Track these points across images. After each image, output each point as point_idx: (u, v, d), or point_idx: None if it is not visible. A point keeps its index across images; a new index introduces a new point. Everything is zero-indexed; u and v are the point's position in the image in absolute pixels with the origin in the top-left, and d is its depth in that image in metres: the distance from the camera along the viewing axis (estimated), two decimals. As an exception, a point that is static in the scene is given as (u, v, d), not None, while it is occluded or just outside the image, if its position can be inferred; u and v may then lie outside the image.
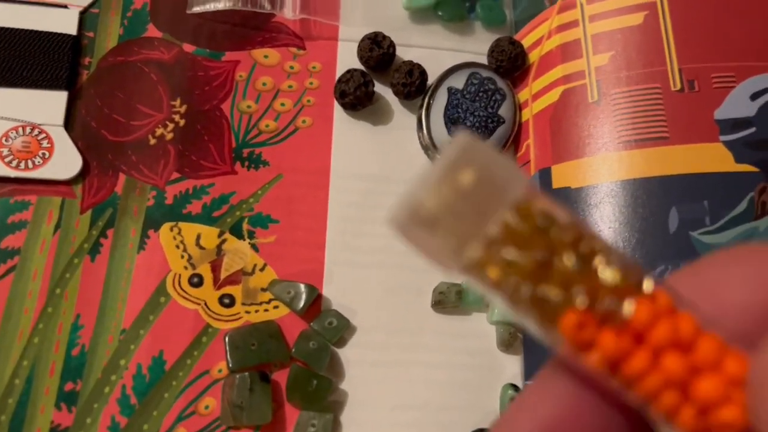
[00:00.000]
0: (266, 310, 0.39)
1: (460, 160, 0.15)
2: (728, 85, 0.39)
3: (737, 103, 0.39)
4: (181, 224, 0.40)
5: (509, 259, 0.15)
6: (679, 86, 0.40)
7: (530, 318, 0.15)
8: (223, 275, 0.40)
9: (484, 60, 0.45)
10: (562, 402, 0.16)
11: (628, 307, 0.15)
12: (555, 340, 0.15)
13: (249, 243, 0.40)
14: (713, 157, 0.38)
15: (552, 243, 0.15)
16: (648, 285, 0.15)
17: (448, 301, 0.41)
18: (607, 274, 0.15)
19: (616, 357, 0.15)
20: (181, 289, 0.39)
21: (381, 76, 0.45)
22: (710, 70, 0.39)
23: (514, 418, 0.17)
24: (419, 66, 0.43)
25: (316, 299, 0.40)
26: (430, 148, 0.43)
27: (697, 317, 0.15)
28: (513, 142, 0.44)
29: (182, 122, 0.42)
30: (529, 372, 0.40)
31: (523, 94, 0.45)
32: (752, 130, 0.38)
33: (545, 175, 0.41)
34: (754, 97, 0.38)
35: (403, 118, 0.44)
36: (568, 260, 0.15)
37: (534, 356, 0.40)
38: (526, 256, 0.15)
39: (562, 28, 0.43)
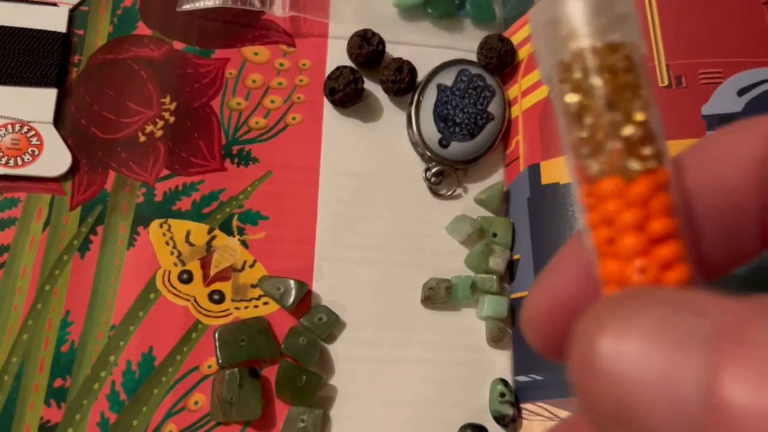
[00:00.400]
0: (256, 306, 0.40)
1: None
2: (715, 81, 0.39)
3: (724, 99, 0.39)
4: (170, 221, 0.40)
5: (582, 78, 0.18)
6: (666, 82, 0.40)
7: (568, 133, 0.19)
8: (212, 272, 0.40)
9: (473, 57, 0.46)
10: (579, 271, 0.19)
11: (597, 170, 0.18)
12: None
13: (239, 239, 0.40)
14: (701, 153, 0.38)
15: (613, 90, 0.18)
16: (643, 166, 0.18)
17: (438, 296, 0.41)
18: (616, 142, 0.18)
19: (583, 200, 0.18)
20: (171, 285, 0.39)
21: (371, 73, 0.45)
22: (697, 66, 0.39)
23: (540, 286, 0.19)
24: (409, 63, 0.44)
25: (305, 295, 0.40)
26: (419, 144, 0.43)
27: (671, 210, 0.18)
28: (503, 138, 0.44)
29: (172, 119, 0.42)
30: (518, 367, 0.40)
31: (513, 91, 0.45)
32: (739, 125, 0.38)
33: (534, 171, 0.41)
34: (741, 92, 0.38)
35: (392, 114, 0.44)
36: (607, 115, 0.18)
37: (523, 351, 0.40)
38: (594, 86, 0.18)
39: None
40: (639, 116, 0.18)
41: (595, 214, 0.18)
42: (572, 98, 0.18)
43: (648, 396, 0.14)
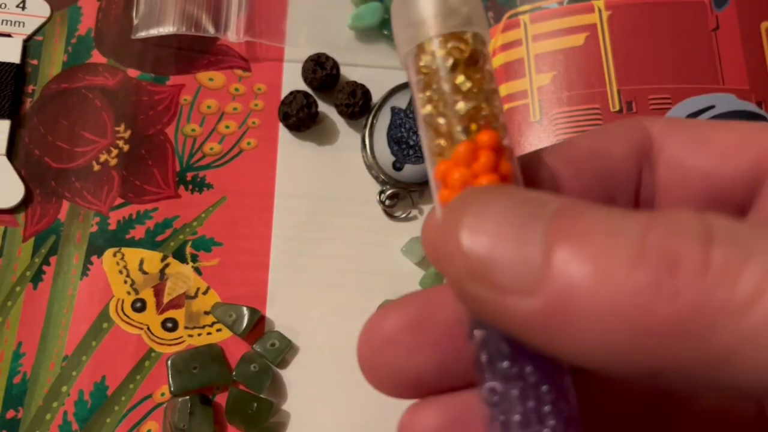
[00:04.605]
0: (209, 334, 0.40)
1: None
2: (664, 107, 0.39)
3: (672, 125, 0.39)
4: (124, 249, 0.41)
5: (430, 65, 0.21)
6: (618, 107, 0.40)
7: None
8: (166, 299, 0.40)
9: (430, 78, 0.46)
10: None
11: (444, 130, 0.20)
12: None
13: (192, 266, 0.41)
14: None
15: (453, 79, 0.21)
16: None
17: (390, 321, 0.41)
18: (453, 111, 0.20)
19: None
20: (124, 314, 0.40)
21: (326, 96, 0.45)
22: (647, 92, 0.40)
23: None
24: (362, 86, 0.44)
25: (258, 321, 0.40)
26: (373, 167, 0.43)
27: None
28: (457, 160, 0.44)
29: (126, 147, 0.42)
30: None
31: (468, 112, 0.45)
32: (685, 152, 0.38)
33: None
34: (690, 118, 0.39)
35: (347, 138, 0.45)
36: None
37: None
38: (438, 66, 0.21)
39: (506, 47, 0.44)
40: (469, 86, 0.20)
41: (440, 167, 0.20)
42: (421, 76, 0.21)
43: (502, 264, 0.16)
